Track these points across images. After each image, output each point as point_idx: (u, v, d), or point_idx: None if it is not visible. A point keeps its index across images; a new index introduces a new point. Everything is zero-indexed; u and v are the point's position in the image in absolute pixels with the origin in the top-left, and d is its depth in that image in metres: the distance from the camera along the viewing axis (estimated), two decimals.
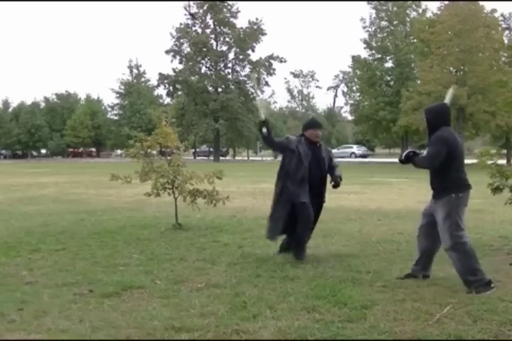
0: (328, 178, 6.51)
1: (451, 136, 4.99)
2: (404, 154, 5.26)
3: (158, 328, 3.94)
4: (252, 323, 4.03)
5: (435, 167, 4.94)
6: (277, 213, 6.34)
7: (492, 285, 4.81)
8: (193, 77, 55.02)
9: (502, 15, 41.38)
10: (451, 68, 40.11)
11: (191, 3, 55.09)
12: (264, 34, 55.19)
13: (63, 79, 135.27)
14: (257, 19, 54.93)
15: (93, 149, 73.38)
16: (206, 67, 56.55)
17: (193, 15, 54.89)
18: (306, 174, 6.17)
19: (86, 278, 5.47)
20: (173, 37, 55.17)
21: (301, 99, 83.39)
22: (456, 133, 5.19)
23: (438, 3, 61.03)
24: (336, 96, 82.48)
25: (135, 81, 67.32)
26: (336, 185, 6.45)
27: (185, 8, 54.79)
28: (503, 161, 28.89)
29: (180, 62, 55.37)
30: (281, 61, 55.31)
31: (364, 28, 50.83)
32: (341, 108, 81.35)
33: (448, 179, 4.95)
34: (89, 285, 5.16)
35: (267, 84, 56.53)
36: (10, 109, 71.06)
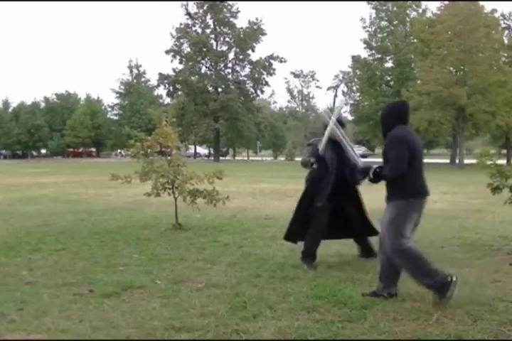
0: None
1: (410, 135, 4.58)
2: (371, 173, 4.74)
3: (158, 328, 3.94)
4: (252, 323, 4.03)
5: (405, 171, 4.43)
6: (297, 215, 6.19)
7: (453, 279, 4.33)
8: (193, 77, 55.02)
9: (502, 14, 41.38)
10: (451, 68, 40.09)
11: (188, 3, 55.16)
12: (264, 34, 55.22)
13: (63, 79, 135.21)
14: (257, 19, 55.02)
15: (93, 149, 73.36)
16: (206, 67, 56.58)
17: (190, 15, 54.86)
18: (331, 178, 5.92)
19: (86, 278, 5.47)
20: (173, 37, 55.22)
21: (301, 99, 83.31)
22: (413, 132, 4.75)
23: (438, 3, 61.07)
24: (335, 96, 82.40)
25: (135, 81, 67.34)
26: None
27: (185, 8, 54.79)
28: (503, 161, 28.95)
29: (180, 62, 55.40)
30: (281, 61, 55.33)
31: (364, 28, 50.83)
32: (341, 108, 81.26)
33: (403, 183, 4.48)
34: (89, 285, 5.16)
35: (266, 84, 56.56)
36: (10, 109, 71.02)
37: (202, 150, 70.79)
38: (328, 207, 5.91)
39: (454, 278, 4.34)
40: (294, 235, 6.20)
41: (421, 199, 4.56)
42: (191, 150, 65.45)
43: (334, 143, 5.86)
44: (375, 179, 4.71)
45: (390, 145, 4.49)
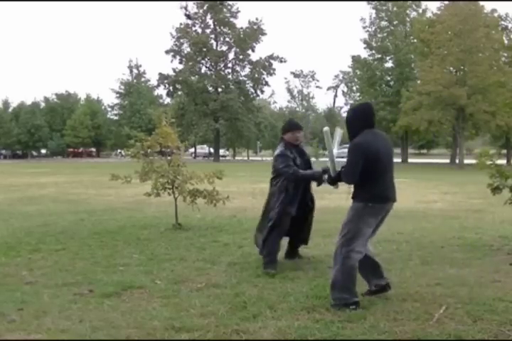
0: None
1: (373, 141, 4.39)
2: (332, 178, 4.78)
3: (158, 328, 3.94)
4: (252, 323, 4.03)
5: (357, 180, 4.39)
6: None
7: (354, 307, 4.28)
8: (193, 77, 55.03)
9: (499, 16, 41.34)
10: (451, 68, 40.13)
11: (188, 3, 55.17)
12: (264, 34, 55.23)
13: (63, 79, 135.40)
14: (257, 19, 55.03)
15: (93, 149, 73.37)
16: (206, 67, 56.58)
17: (188, 16, 54.85)
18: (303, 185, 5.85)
19: (86, 278, 5.47)
20: (173, 37, 55.23)
21: (301, 99, 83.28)
22: (381, 135, 4.59)
23: (438, 3, 61.10)
24: (335, 96, 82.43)
25: (135, 81, 67.35)
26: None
27: (184, 9, 54.79)
28: (503, 161, 28.95)
29: (180, 62, 55.41)
30: (281, 61, 55.33)
31: (364, 28, 50.91)
32: (341, 108, 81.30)
33: (362, 187, 4.41)
34: (89, 285, 5.16)
35: (266, 84, 56.57)
36: (10, 109, 71.05)
37: (200, 150, 70.65)
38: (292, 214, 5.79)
39: (354, 307, 4.30)
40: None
41: (381, 204, 4.43)
42: (191, 150, 65.52)
43: (294, 148, 5.80)
44: (332, 180, 4.82)
45: (349, 151, 4.41)
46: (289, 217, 5.76)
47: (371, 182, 4.37)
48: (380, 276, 4.65)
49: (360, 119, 4.46)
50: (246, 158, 65.68)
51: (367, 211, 4.38)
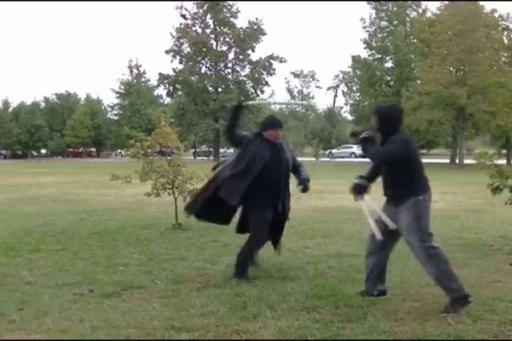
0: (295, 181, 5.83)
1: (411, 139, 4.70)
2: (363, 134, 4.62)
3: (158, 328, 3.94)
4: (252, 323, 4.03)
5: (381, 163, 4.59)
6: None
7: (470, 299, 4.32)
8: (193, 77, 54.98)
9: (500, 16, 41.33)
10: (451, 68, 40.09)
11: (184, 4, 55.16)
12: (264, 34, 55.15)
13: (63, 79, 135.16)
14: (257, 19, 54.91)
15: (93, 149, 73.35)
16: (206, 67, 56.54)
17: (183, 16, 54.85)
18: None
19: (86, 278, 5.47)
20: (173, 37, 55.16)
21: (301, 99, 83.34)
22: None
23: (438, 3, 61.03)
24: (335, 96, 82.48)
25: (135, 81, 67.31)
26: (304, 189, 5.76)
27: (180, 9, 54.77)
28: (503, 161, 28.89)
29: (180, 62, 55.36)
30: (281, 61, 55.28)
31: (364, 28, 50.85)
32: (341, 108, 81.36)
33: (412, 183, 4.48)
34: (89, 285, 5.16)
35: (266, 84, 56.55)
36: (10, 109, 71.04)
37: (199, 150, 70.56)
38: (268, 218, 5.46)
39: (471, 299, 4.32)
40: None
41: (430, 197, 4.55)
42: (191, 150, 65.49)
43: (270, 146, 5.48)
44: (361, 140, 4.60)
45: (396, 142, 4.43)
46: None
47: (419, 177, 4.51)
48: (384, 281, 4.72)
49: (398, 118, 4.64)
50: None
51: (426, 205, 4.45)
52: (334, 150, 59.52)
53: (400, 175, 4.50)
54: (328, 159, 53.23)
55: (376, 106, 5.01)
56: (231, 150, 67.78)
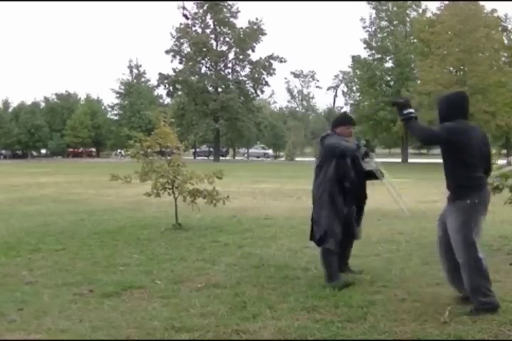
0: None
1: (461, 128, 4.22)
2: (412, 112, 4.34)
3: (158, 328, 3.94)
4: (252, 323, 4.03)
5: (419, 140, 4.50)
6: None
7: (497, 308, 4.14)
8: (193, 77, 55.01)
9: (498, 17, 41.35)
10: (451, 68, 40.15)
11: (186, 3, 55.17)
12: (264, 34, 55.19)
13: (63, 79, 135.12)
14: (257, 19, 54.98)
15: (93, 149, 73.31)
16: (206, 67, 56.57)
17: (185, 16, 54.90)
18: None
19: (86, 278, 5.47)
20: (173, 37, 55.20)
21: (301, 99, 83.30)
22: (475, 128, 4.39)
23: (438, 3, 61.03)
24: (335, 96, 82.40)
25: (135, 81, 67.28)
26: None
27: (182, 9, 54.80)
28: (503, 161, 28.91)
29: (180, 62, 55.38)
30: (281, 61, 55.31)
31: (364, 28, 50.89)
32: (341, 108, 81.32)
33: (460, 184, 4.22)
34: (89, 285, 5.16)
35: (266, 84, 56.55)
36: (10, 109, 70.96)
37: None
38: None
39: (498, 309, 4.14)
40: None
41: (482, 196, 4.25)
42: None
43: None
44: (403, 110, 4.31)
45: (447, 124, 4.23)
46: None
47: (470, 175, 4.20)
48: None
49: (453, 108, 4.30)
50: (246, 158, 65.67)
51: (474, 209, 4.16)
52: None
53: (450, 170, 4.32)
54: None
55: (440, 95, 4.68)
56: (254, 150, 67.28)
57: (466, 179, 4.21)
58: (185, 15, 54.88)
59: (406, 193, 15.39)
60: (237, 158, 67.40)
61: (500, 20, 41.51)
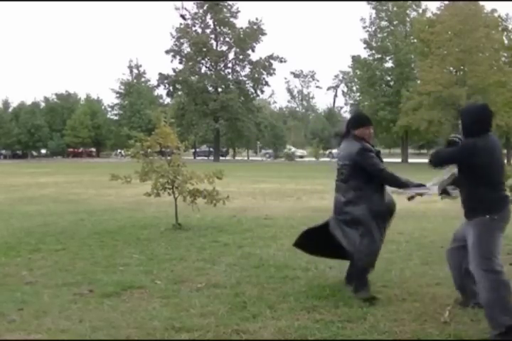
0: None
1: (487, 144, 3.98)
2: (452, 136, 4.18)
3: (158, 328, 3.94)
4: (252, 323, 4.03)
5: (436, 165, 4.12)
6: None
7: None
8: (193, 77, 55.02)
9: (499, 16, 41.34)
10: (451, 68, 40.16)
11: (184, 4, 55.20)
12: (264, 34, 55.21)
13: (63, 79, 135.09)
14: (257, 19, 55.00)
15: (93, 149, 73.31)
16: (206, 67, 56.57)
17: (183, 17, 54.85)
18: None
19: (86, 278, 5.47)
20: (173, 37, 55.21)
21: (301, 99, 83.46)
22: (495, 141, 4.13)
23: (438, 3, 61.05)
24: (335, 96, 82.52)
25: (135, 81, 67.30)
26: None
27: (181, 9, 54.79)
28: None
29: (180, 62, 55.39)
30: (281, 61, 55.33)
31: (364, 28, 50.88)
32: (341, 108, 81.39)
33: (479, 198, 3.98)
34: (89, 285, 5.16)
35: (266, 84, 56.56)
36: (10, 109, 70.94)
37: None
38: None
39: None
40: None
41: (503, 212, 4.01)
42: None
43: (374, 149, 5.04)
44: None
45: (464, 142, 4.01)
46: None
47: (492, 192, 3.97)
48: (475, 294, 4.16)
49: (483, 121, 4.06)
50: (246, 158, 65.68)
51: (493, 225, 3.94)
52: (334, 150, 59.55)
53: (469, 187, 4.04)
54: (328, 159, 53.22)
55: (464, 106, 4.32)
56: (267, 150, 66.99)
57: (489, 198, 3.97)
58: (182, 16, 54.86)
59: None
60: (237, 158, 67.39)
61: (501, 19, 41.49)
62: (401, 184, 4.81)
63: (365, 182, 4.83)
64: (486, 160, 3.93)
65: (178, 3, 55.93)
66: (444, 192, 4.45)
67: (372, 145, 5.04)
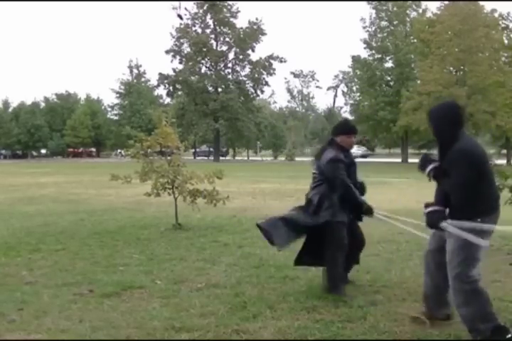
0: None
1: (475, 145, 3.75)
2: (421, 159, 3.95)
3: (158, 328, 3.94)
4: (252, 323, 4.03)
5: (467, 196, 3.63)
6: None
7: (509, 336, 3.59)
8: (193, 77, 55.03)
9: (500, 15, 41.34)
10: (451, 68, 40.17)
11: (183, 4, 55.19)
12: (264, 34, 55.23)
13: (63, 79, 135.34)
14: (257, 19, 55.02)
15: (93, 149, 73.34)
16: (206, 67, 56.58)
17: (180, 17, 54.90)
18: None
19: (86, 278, 5.47)
20: (173, 37, 55.23)
21: (301, 99, 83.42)
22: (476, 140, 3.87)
23: (438, 3, 61.05)
24: (335, 96, 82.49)
25: (135, 81, 67.32)
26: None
27: (179, 8, 54.74)
28: (503, 161, 28.90)
29: (180, 62, 55.40)
30: (281, 61, 55.33)
31: (364, 28, 50.89)
32: (341, 108, 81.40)
33: (468, 202, 3.67)
34: (89, 285, 5.16)
35: (266, 84, 56.56)
36: (10, 109, 71.00)
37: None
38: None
39: (509, 335, 3.57)
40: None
41: (492, 216, 3.86)
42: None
43: (344, 153, 4.99)
44: (422, 169, 3.82)
45: (456, 160, 3.60)
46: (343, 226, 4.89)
47: (482, 197, 3.67)
48: (447, 304, 3.99)
49: (454, 119, 3.76)
50: (246, 158, 65.69)
51: (482, 230, 3.68)
52: None
53: (457, 193, 3.68)
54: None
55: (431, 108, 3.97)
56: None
57: (484, 201, 3.72)
58: (179, 16, 54.86)
59: (406, 193, 15.44)
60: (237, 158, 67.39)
61: (502, 17, 41.46)
62: (357, 202, 4.87)
63: (330, 190, 4.88)
64: (481, 164, 3.68)
65: (176, 3, 55.77)
66: None
67: (347, 154, 5.02)
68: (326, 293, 4.76)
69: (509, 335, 3.58)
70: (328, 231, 4.82)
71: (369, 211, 4.92)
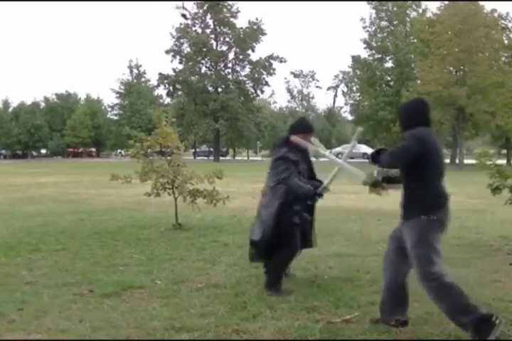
0: None
1: (429, 135, 3.86)
2: (370, 153, 4.23)
3: (158, 328, 3.94)
4: (252, 323, 4.03)
5: (400, 163, 3.81)
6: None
7: (497, 321, 3.58)
8: (193, 77, 55.01)
9: (500, 15, 41.31)
10: (451, 68, 40.14)
11: (185, 3, 55.17)
12: (264, 34, 55.20)
13: (63, 79, 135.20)
14: (257, 19, 54.98)
15: (93, 149, 73.34)
16: (206, 67, 56.57)
17: (184, 16, 54.89)
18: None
19: (86, 278, 5.47)
20: (173, 37, 55.20)
21: (301, 99, 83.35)
22: (435, 138, 3.99)
23: (438, 3, 61.05)
24: (335, 96, 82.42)
25: (135, 81, 67.29)
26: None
27: (182, 8, 54.79)
28: (503, 161, 28.90)
29: (180, 62, 55.39)
30: (281, 61, 55.31)
31: (364, 28, 50.87)
32: (341, 108, 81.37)
33: (419, 197, 3.76)
34: (89, 285, 5.16)
35: (266, 84, 56.56)
36: (10, 109, 70.98)
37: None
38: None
39: (498, 321, 3.56)
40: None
41: (444, 212, 3.82)
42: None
43: (300, 151, 5.12)
44: (372, 160, 4.03)
45: (405, 138, 3.82)
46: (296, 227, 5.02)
47: (431, 189, 3.77)
48: (404, 310, 4.02)
49: (416, 116, 3.92)
50: (246, 158, 65.66)
51: (431, 226, 3.72)
52: (334, 150, 59.48)
53: (408, 184, 3.85)
54: (327, 159, 53.11)
55: (400, 103, 4.28)
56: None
57: (429, 196, 3.77)
58: (183, 15, 54.88)
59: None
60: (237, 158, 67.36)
61: (501, 18, 41.44)
62: (307, 191, 4.95)
63: (278, 190, 5.00)
64: (431, 152, 3.76)
65: (179, 3, 55.85)
66: (385, 181, 4.14)
67: (304, 153, 5.13)
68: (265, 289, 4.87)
69: (497, 321, 3.57)
70: (282, 232, 4.94)
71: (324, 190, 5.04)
